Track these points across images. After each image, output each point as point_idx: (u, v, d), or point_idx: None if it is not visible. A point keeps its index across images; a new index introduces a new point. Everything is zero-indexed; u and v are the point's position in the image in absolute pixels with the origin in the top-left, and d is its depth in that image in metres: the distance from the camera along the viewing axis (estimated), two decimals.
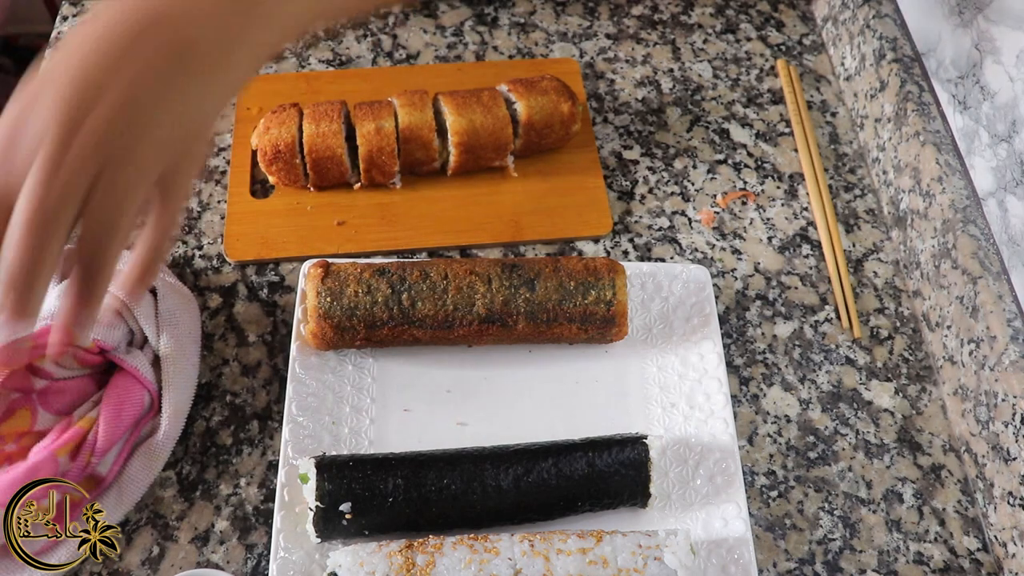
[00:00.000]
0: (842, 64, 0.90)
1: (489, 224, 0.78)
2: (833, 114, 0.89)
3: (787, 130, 0.87)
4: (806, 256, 0.79)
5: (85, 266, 0.47)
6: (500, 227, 0.78)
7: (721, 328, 0.72)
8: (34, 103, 0.45)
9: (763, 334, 0.75)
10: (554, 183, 0.80)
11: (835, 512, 0.67)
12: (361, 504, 0.59)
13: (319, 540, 0.60)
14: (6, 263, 0.44)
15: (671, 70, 0.91)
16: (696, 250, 0.79)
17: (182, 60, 0.48)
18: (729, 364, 0.72)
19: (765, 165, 0.85)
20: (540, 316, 0.67)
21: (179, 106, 0.48)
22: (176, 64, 0.48)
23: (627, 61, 0.91)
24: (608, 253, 0.78)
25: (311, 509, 0.59)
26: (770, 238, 0.80)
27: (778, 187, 0.83)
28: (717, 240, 0.80)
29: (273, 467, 0.67)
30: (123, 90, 0.46)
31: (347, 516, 0.59)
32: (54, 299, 0.64)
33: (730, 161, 0.85)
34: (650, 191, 0.82)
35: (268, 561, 0.60)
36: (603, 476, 0.62)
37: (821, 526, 0.66)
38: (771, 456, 0.69)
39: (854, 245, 0.80)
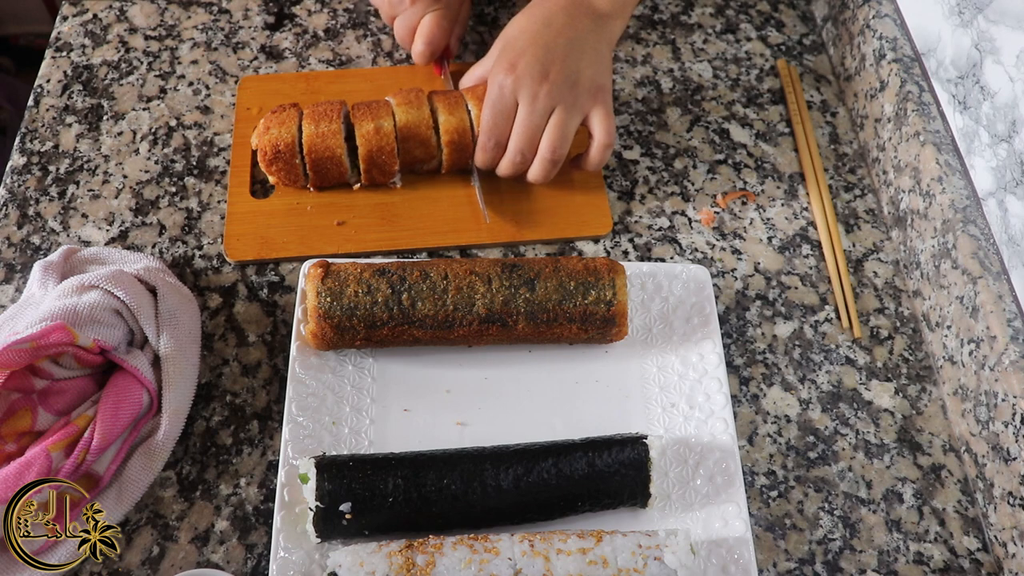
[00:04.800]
0: (842, 64, 0.90)
1: (489, 224, 0.78)
2: (833, 114, 0.89)
3: (787, 130, 0.87)
4: (806, 256, 0.79)
5: (547, 160, 0.74)
6: (500, 227, 0.78)
7: (721, 328, 0.72)
8: (511, 60, 0.72)
9: (763, 334, 0.75)
10: (554, 183, 0.80)
11: (835, 512, 0.67)
12: (361, 504, 0.59)
13: (319, 540, 0.60)
14: (503, 174, 0.76)
15: (671, 70, 0.91)
16: (696, 250, 0.79)
17: (597, 22, 0.75)
18: (729, 364, 0.72)
19: (765, 165, 0.85)
20: (540, 316, 0.67)
21: (594, 59, 0.74)
22: (594, 25, 0.75)
23: (627, 61, 0.91)
24: (608, 253, 0.78)
25: (311, 509, 0.59)
26: (770, 238, 0.80)
27: (778, 187, 0.83)
28: (717, 240, 0.80)
29: (273, 467, 0.67)
30: (564, 50, 0.72)
31: (347, 516, 0.59)
32: (54, 299, 0.64)
33: (730, 161, 0.85)
34: (650, 191, 0.82)
35: (268, 561, 0.61)
36: (603, 476, 0.62)
37: (821, 526, 0.66)
38: (771, 456, 0.69)
39: (854, 245, 0.80)
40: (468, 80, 0.79)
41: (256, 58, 0.90)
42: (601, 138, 0.75)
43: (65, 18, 0.93)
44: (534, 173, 0.75)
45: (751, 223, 0.81)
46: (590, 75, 0.74)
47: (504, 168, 0.76)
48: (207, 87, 0.87)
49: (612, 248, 0.79)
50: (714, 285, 0.76)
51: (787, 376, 0.73)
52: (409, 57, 0.90)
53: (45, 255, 0.75)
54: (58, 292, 0.65)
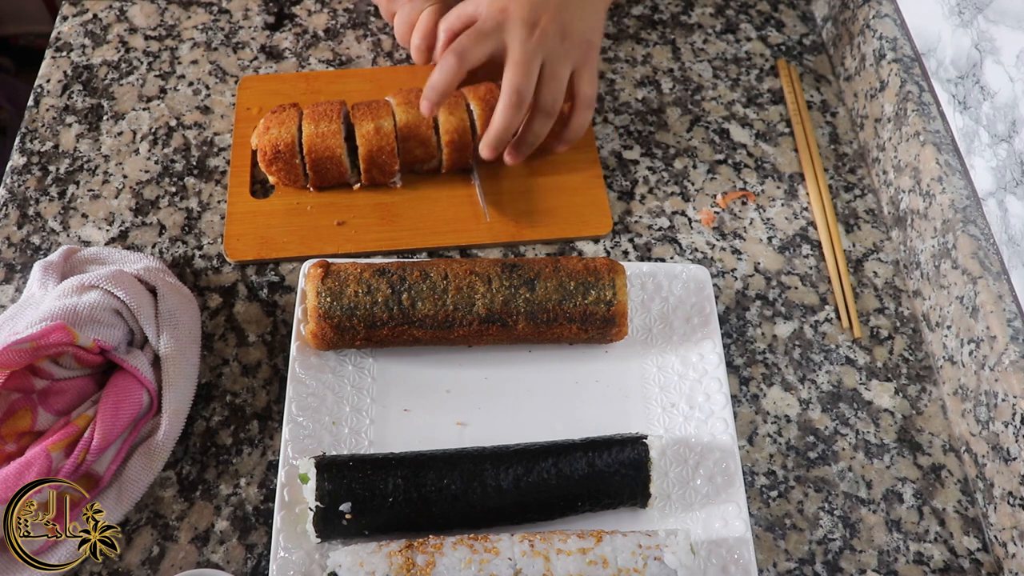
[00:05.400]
0: (842, 64, 0.90)
1: (489, 224, 0.78)
2: (833, 114, 0.89)
3: (787, 130, 0.87)
4: (806, 256, 0.79)
5: (545, 112, 0.74)
6: (500, 227, 0.78)
7: (721, 328, 0.72)
8: (502, 4, 0.71)
9: (763, 334, 0.75)
10: (554, 183, 0.80)
11: (835, 512, 0.67)
12: (361, 504, 0.59)
13: (319, 540, 0.60)
14: (500, 125, 0.72)
15: (671, 70, 0.91)
16: (696, 250, 0.79)
17: None
18: (729, 364, 0.72)
19: (765, 165, 0.85)
20: (540, 316, 0.67)
21: (586, 13, 0.74)
22: None
23: (627, 61, 0.91)
24: (608, 253, 0.78)
25: (311, 509, 0.59)
26: (770, 238, 0.80)
27: (778, 187, 0.83)
28: (717, 240, 0.80)
29: (273, 467, 0.67)
30: (556, 5, 0.72)
31: (347, 516, 0.59)
32: (54, 299, 0.64)
33: (730, 161, 0.85)
34: (650, 191, 0.82)
35: (268, 561, 0.61)
36: (603, 476, 0.62)
37: (821, 526, 0.66)
38: (771, 456, 0.69)
39: (854, 245, 0.80)
40: (453, 17, 0.75)
41: (256, 58, 0.90)
42: (586, 94, 0.75)
43: (65, 18, 0.93)
44: (532, 131, 0.75)
45: (751, 223, 0.81)
46: (581, 29, 0.74)
47: (500, 120, 0.72)
48: (207, 87, 0.87)
49: (612, 248, 0.79)
50: (714, 285, 0.76)
51: (787, 376, 0.73)
52: (410, 57, 0.90)
53: (45, 255, 0.75)
54: (58, 292, 0.65)
